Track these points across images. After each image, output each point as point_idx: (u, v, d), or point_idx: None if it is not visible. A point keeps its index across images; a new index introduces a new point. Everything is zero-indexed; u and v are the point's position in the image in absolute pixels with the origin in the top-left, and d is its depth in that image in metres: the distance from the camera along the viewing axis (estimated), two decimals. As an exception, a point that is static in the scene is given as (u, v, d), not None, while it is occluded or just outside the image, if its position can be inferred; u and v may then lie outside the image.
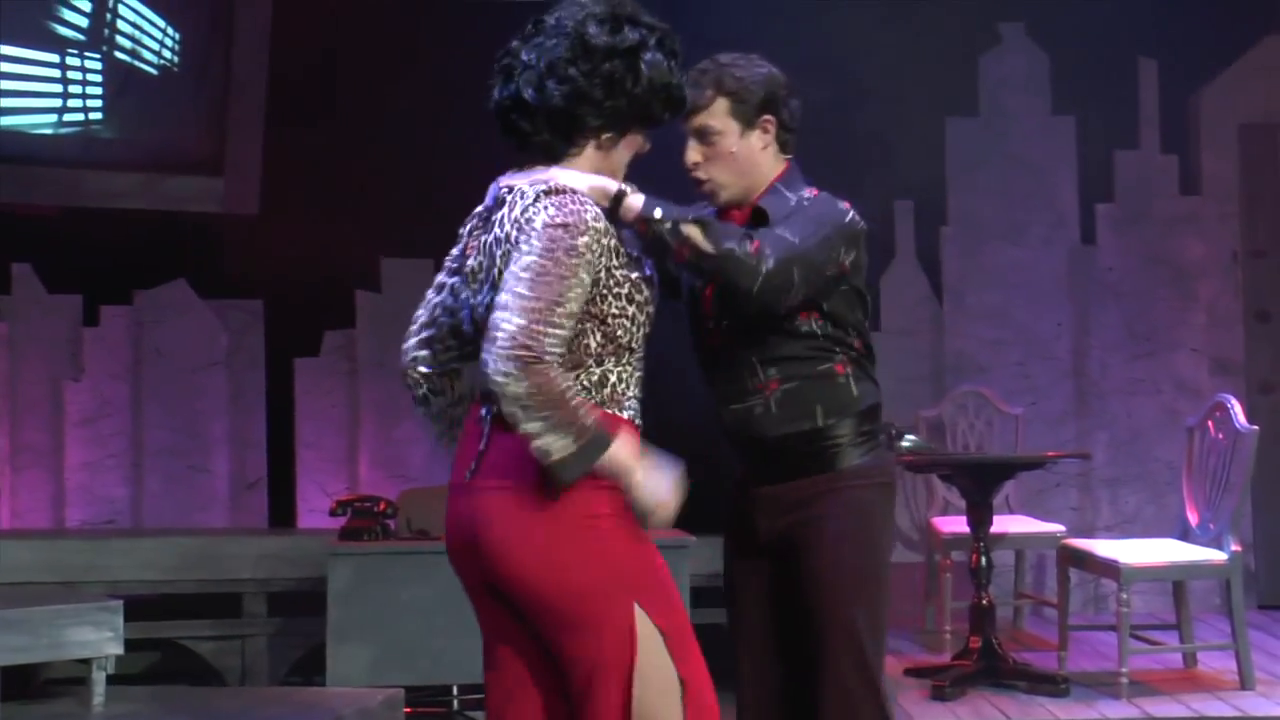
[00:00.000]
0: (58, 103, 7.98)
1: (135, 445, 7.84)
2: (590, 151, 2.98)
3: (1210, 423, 6.05)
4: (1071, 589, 6.27)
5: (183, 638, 6.57)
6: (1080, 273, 8.06)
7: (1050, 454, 6.75)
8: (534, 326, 2.75)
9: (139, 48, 8.05)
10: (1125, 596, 5.72)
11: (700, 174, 3.34)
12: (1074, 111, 8.10)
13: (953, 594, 6.84)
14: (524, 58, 3.01)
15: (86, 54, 7.96)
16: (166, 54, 8.13)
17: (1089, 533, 7.74)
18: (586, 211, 2.85)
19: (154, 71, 8.12)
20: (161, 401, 7.87)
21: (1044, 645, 6.77)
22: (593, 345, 2.88)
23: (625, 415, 2.92)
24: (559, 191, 2.88)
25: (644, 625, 2.81)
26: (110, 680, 5.17)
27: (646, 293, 2.96)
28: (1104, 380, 7.99)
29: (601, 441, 2.78)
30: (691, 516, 5.44)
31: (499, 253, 2.91)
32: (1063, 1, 8.04)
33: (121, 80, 8.03)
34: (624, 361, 2.93)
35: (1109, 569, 5.82)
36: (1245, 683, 5.80)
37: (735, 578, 3.43)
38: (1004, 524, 6.82)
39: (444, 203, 7.88)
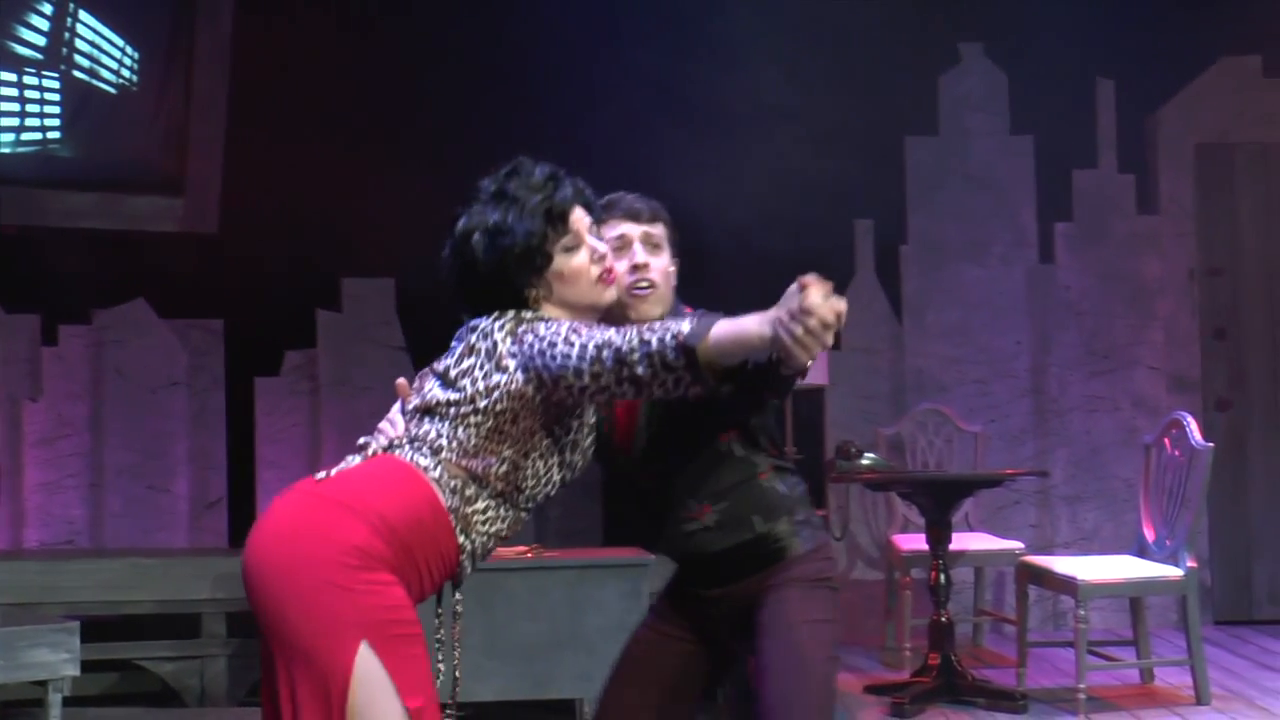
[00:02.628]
0: (15, 122, 7.94)
1: (94, 466, 7.80)
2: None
3: (1167, 440, 6.09)
4: (1030, 606, 6.30)
5: (141, 658, 6.52)
6: (1039, 291, 8.11)
7: (1009, 471, 6.79)
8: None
9: (97, 67, 8.03)
10: (1083, 613, 5.75)
11: (652, 275, 3.30)
12: (1032, 131, 8.16)
13: (912, 611, 6.86)
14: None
15: (44, 73, 7.94)
16: (125, 73, 8.11)
17: (1048, 549, 7.78)
18: None
19: (112, 90, 8.10)
20: (121, 421, 7.83)
21: (1003, 662, 6.80)
22: (495, 470, 2.88)
23: (460, 540, 2.86)
24: None
25: (368, 666, 2.71)
26: (67, 702, 5.14)
27: (574, 464, 2.98)
28: (1063, 398, 8.04)
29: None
30: (651, 536, 5.43)
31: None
32: (1021, 21, 8.09)
33: (80, 99, 8.00)
34: (506, 507, 2.92)
35: (1067, 585, 5.85)
36: (1201, 698, 5.83)
37: (652, 637, 3.43)
38: (963, 541, 6.85)
39: (404, 222, 7.95)
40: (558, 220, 2.98)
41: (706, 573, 3.36)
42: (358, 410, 7.83)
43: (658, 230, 3.34)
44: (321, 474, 2.89)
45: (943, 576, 6.02)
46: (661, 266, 3.32)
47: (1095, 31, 8.08)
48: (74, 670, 4.89)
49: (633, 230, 3.31)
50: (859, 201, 8.04)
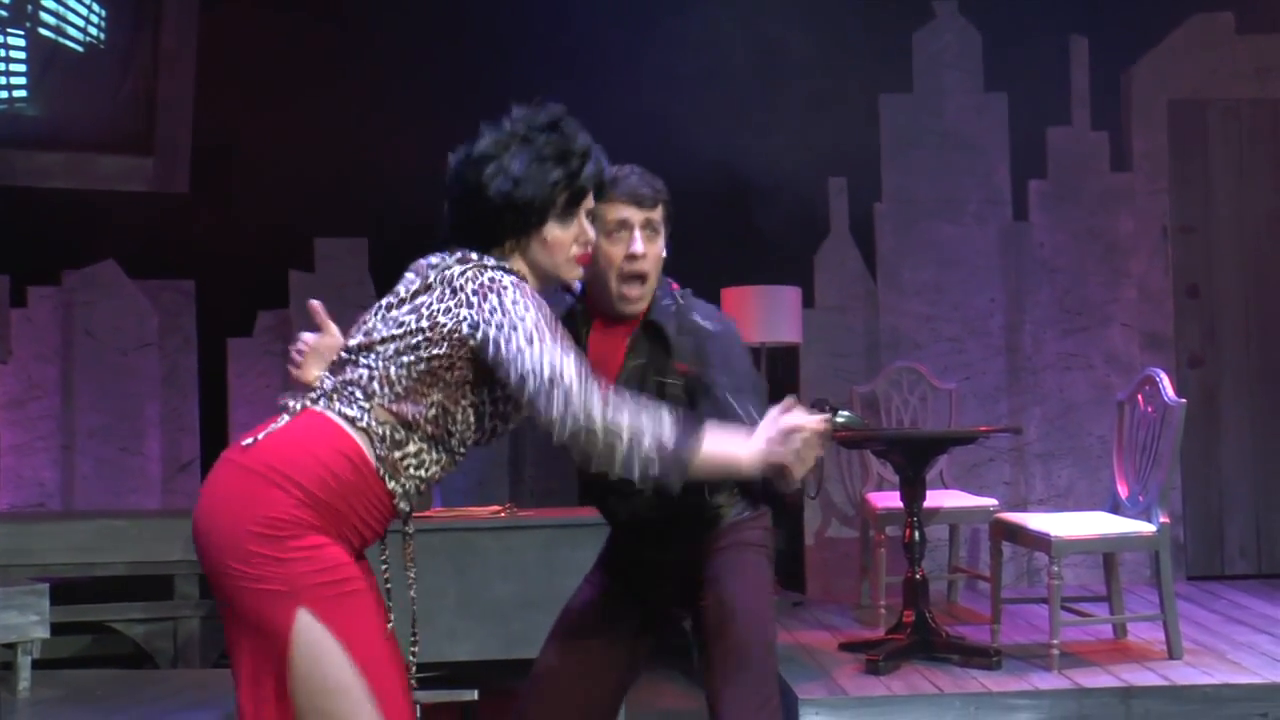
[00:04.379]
0: (-20, 80, 7.88)
1: (65, 428, 7.76)
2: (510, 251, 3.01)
3: (1140, 396, 6.10)
4: (1004, 562, 6.31)
5: (114, 620, 6.50)
6: (1013, 249, 8.11)
7: (983, 429, 6.79)
8: None
9: (64, 24, 7.94)
10: (1056, 569, 5.75)
11: (644, 267, 3.32)
12: (1006, 88, 8.14)
13: (887, 569, 6.87)
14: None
15: (9, 31, 7.85)
16: (93, 31, 8.02)
17: (1022, 507, 7.80)
18: None
19: (80, 49, 8.01)
20: (92, 383, 7.79)
21: (977, 619, 6.82)
22: (424, 414, 2.89)
23: (391, 486, 2.88)
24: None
25: (308, 633, 2.76)
26: (38, 664, 5.12)
27: (507, 415, 2.99)
28: (1037, 355, 8.04)
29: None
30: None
31: None
32: (995, -22, 8.07)
33: (46, 58, 7.92)
34: (438, 449, 2.93)
35: (1040, 542, 5.86)
36: (1173, 653, 5.85)
37: (592, 603, 3.53)
38: (938, 499, 6.87)
39: (377, 182, 7.90)
40: (572, 199, 2.99)
41: (645, 538, 3.44)
42: (330, 371, 7.79)
43: (658, 214, 3.34)
44: (249, 439, 2.88)
45: (917, 534, 6.02)
46: (656, 253, 3.33)
47: (1069, -12, 8.06)
48: (43, 632, 4.87)
49: (635, 216, 3.30)
50: (833, 159, 8.02)
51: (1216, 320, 8.22)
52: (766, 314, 7.46)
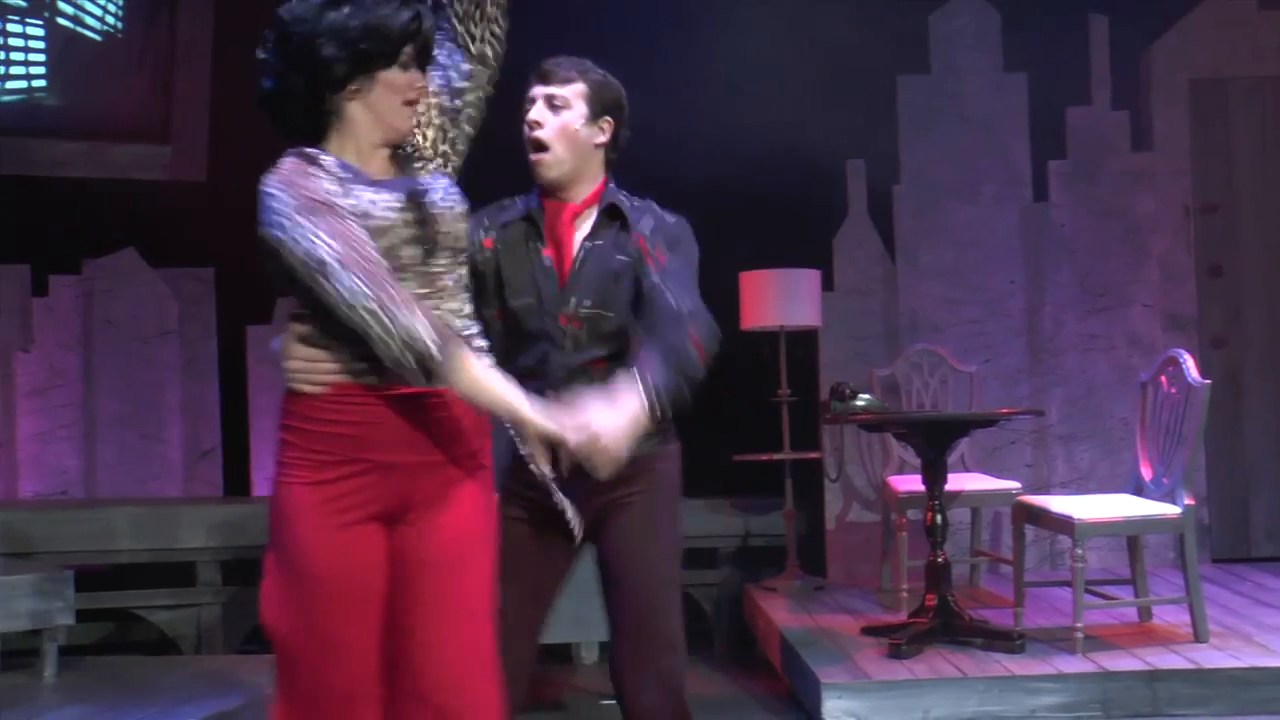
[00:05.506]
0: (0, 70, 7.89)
1: (87, 415, 7.78)
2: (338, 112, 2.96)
3: (1163, 378, 6.07)
4: (1027, 546, 6.29)
5: (137, 607, 6.53)
6: (1033, 230, 8.07)
7: (1004, 411, 6.76)
8: None
9: (81, 13, 7.95)
10: (1080, 552, 5.73)
11: (540, 134, 3.42)
12: (1025, 68, 8.09)
13: (909, 552, 6.85)
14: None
15: (28, 20, 7.86)
16: (110, 19, 8.03)
17: (1044, 489, 7.77)
18: None
19: (97, 38, 8.02)
20: (113, 371, 7.81)
21: (1000, 602, 6.80)
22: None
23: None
24: None
25: None
26: (63, 651, 5.15)
27: None
28: (1058, 337, 8.01)
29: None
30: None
31: None
32: (1013, -43, 8.02)
33: (64, 46, 7.93)
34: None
35: (1063, 525, 5.84)
36: (1199, 636, 5.83)
37: (528, 545, 3.48)
38: (959, 482, 6.84)
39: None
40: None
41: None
42: (350, 357, 7.79)
43: (566, 91, 3.43)
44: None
45: (939, 517, 6.00)
46: (560, 125, 3.40)
47: (1088, -34, 8.01)
48: (69, 619, 4.90)
49: (539, 91, 3.44)
50: (851, 142, 7.98)
51: (1240, 300, 8.18)
52: (786, 297, 7.44)
